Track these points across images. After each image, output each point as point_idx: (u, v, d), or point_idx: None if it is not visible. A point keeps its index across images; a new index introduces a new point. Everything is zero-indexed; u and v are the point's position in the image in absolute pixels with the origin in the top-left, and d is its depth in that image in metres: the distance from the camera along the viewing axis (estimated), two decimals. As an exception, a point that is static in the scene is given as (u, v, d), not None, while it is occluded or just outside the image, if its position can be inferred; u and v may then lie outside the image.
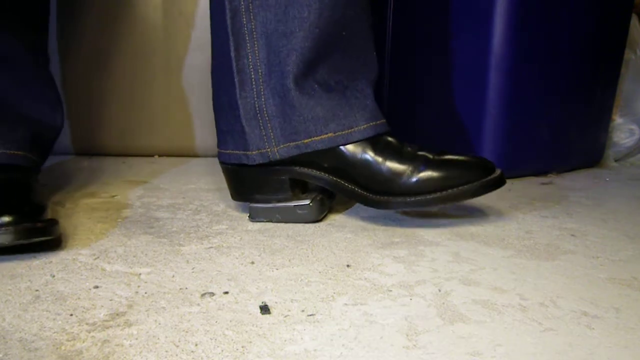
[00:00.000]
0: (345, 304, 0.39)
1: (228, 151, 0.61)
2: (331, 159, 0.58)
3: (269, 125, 0.58)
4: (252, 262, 0.47)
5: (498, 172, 0.58)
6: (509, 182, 0.84)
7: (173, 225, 0.58)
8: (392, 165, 0.56)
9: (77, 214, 0.61)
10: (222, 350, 0.32)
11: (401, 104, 0.97)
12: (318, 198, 0.59)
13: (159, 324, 0.35)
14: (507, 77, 0.80)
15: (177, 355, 0.31)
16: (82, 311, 0.37)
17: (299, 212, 0.59)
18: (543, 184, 0.84)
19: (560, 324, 0.36)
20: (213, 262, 0.47)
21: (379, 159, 0.57)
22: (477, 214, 0.64)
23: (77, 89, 1.00)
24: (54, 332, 0.34)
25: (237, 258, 0.48)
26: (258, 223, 0.59)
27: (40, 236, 0.46)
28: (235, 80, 0.59)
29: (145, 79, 1.01)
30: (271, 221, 0.60)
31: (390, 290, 0.41)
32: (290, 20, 0.55)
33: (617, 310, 0.38)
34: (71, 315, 0.36)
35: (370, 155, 0.57)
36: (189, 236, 0.54)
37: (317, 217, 0.59)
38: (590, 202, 0.72)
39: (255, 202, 0.60)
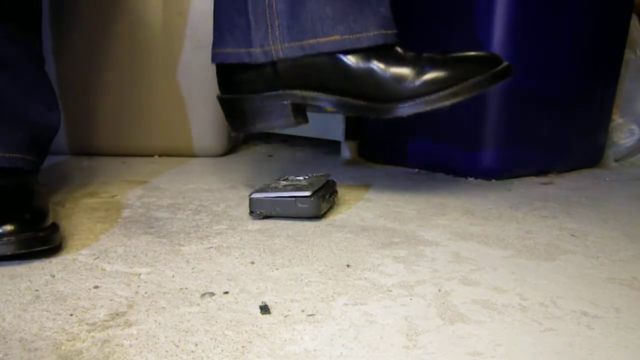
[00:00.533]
0: (345, 304, 0.39)
1: (227, 49, 0.59)
2: (334, 72, 0.56)
3: (276, 22, 0.56)
4: (252, 262, 0.47)
5: (505, 63, 0.57)
6: (509, 182, 0.84)
7: (173, 225, 0.58)
8: (397, 69, 0.55)
9: (77, 214, 0.61)
10: (222, 350, 0.32)
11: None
12: (320, 193, 0.59)
13: (159, 324, 0.35)
14: (507, 77, 0.80)
15: (177, 355, 0.31)
16: (82, 311, 0.37)
17: (300, 205, 0.58)
18: (543, 184, 0.84)
19: (560, 324, 0.36)
20: (213, 262, 0.47)
21: (382, 66, 0.55)
22: (477, 214, 0.64)
23: (75, 88, 1.00)
24: (54, 332, 0.34)
25: (237, 258, 0.48)
26: (258, 223, 0.59)
27: (41, 245, 0.46)
28: None
29: (144, 78, 1.00)
30: (271, 215, 0.60)
31: (390, 290, 0.41)
32: None
33: (617, 310, 0.38)
34: (71, 315, 0.36)
35: (374, 63, 0.55)
36: (189, 236, 0.54)
37: (318, 213, 0.59)
38: (590, 202, 0.72)
39: (256, 131, 0.59)
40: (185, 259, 0.48)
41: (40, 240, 0.46)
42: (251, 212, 0.60)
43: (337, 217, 0.62)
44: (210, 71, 1.00)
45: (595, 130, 0.96)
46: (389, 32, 0.57)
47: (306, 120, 0.60)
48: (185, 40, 0.99)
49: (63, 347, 0.32)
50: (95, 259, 0.47)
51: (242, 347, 0.32)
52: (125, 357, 0.31)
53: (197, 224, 0.59)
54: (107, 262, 0.46)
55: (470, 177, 0.86)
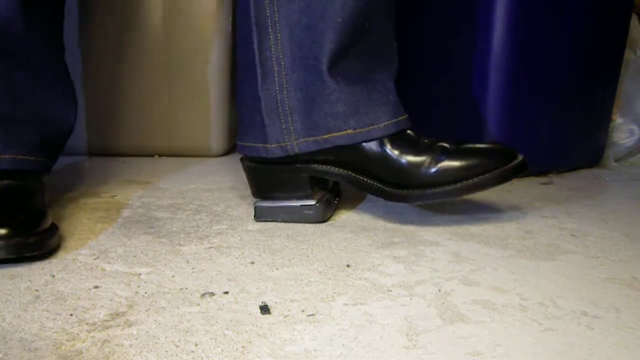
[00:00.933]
0: (345, 304, 0.39)
1: (248, 144, 0.61)
2: (349, 155, 0.57)
3: (289, 118, 0.58)
4: (252, 262, 0.47)
5: (520, 158, 0.56)
6: (508, 182, 0.84)
7: (173, 225, 0.58)
8: (410, 157, 0.56)
9: (77, 214, 0.61)
10: (222, 350, 0.32)
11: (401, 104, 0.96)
12: (324, 199, 0.59)
13: (159, 324, 0.35)
14: (507, 77, 0.80)
15: (177, 355, 0.31)
16: (82, 311, 0.37)
17: (305, 212, 0.58)
18: (543, 184, 0.84)
19: (560, 324, 0.36)
20: (213, 262, 0.47)
21: (396, 152, 0.56)
22: (477, 214, 0.64)
23: (76, 89, 1.00)
24: (54, 332, 0.34)
25: (237, 258, 0.48)
26: (258, 223, 0.59)
27: (32, 251, 0.45)
28: (258, 72, 0.58)
29: (145, 78, 1.00)
30: (276, 221, 0.60)
31: (390, 290, 0.41)
32: (313, 12, 0.55)
33: (617, 310, 0.38)
34: (71, 315, 0.36)
35: (387, 148, 0.56)
36: (189, 236, 0.54)
37: (323, 218, 0.59)
38: (590, 202, 0.72)
39: (274, 200, 0.60)
40: (185, 259, 0.48)
41: (31, 246, 0.45)
42: (256, 219, 0.61)
43: (337, 217, 0.62)
44: (210, 71, 1.01)
45: (595, 130, 0.96)
46: (400, 118, 0.58)
47: (322, 190, 0.61)
48: (187, 39, 0.99)
49: (63, 347, 0.32)
50: (95, 259, 0.47)
51: (242, 347, 0.33)
52: (125, 357, 0.31)
53: (197, 224, 0.59)
54: (107, 262, 0.46)
55: (470, 177, 0.86)
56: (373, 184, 0.58)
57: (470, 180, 0.54)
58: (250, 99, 0.60)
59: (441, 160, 0.55)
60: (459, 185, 0.54)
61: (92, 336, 0.33)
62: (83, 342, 0.33)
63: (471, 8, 0.80)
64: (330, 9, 0.55)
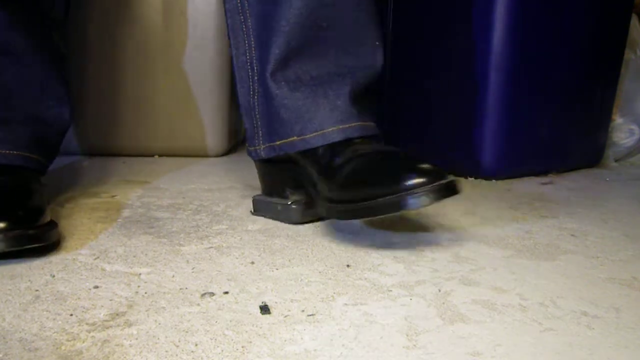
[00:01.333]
0: (345, 304, 0.39)
1: (246, 146, 0.63)
2: (303, 160, 0.57)
3: (258, 124, 0.58)
4: (252, 262, 0.47)
5: (446, 180, 0.45)
6: (509, 182, 0.84)
7: (173, 225, 0.58)
8: (331, 168, 0.52)
9: (77, 214, 0.61)
10: (222, 350, 0.32)
11: (401, 104, 0.97)
12: (304, 201, 0.59)
13: (159, 324, 0.35)
14: (507, 77, 0.80)
15: (177, 355, 0.31)
16: (82, 311, 0.37)
17: (279, 210, 0.59)
18: (543, 184, 0.84)
19: (560, 324, 0.36)
20: (213, 262, 0.47)
21: (325, 160, 0.53)
22: (477, 214, 0.64)
23: (76, 89, 1.00)
24: (54, 332, 0.34)
25: (237, 258, 0.48)
26: (258, 223, 0.59)
27: (32, 243, 0.45)
28: (236, 77, 0.59)
29: (145, 78, 1.00)
30: (265, 217, 0.61)
31: (390, 290, 0.41)
32: (269, 14, 0.54)
33: (617, 310, 0.38)
34: (71, 315, 0.36)
35: (319, 154, 0.54)
36: (189, 236, 0.54)
37: (299, 220, 0.58)
38: (590, 202, 0.72)
39: (267, 196, 0.61)
40: (185, 259, 0.48)
41: (31, 238, 0.45)
42: (253, 212, 0.62)
43: (337, 217, 0.62)
44: (210, 71, 1.01)
45: (595, 130, 0.96)
46: (347, 125, 0.53)
47: (306, 197, 0.58)
48: (187, 39, 0.99)
49: (63, 347, 0.32)
50: (95, 259, 0.47)
51: (242, 347, 0.32)
52: (125, 357, 0.31)
53: (197, 224, 0.59)
54: (107, 262, 0.46)
55: (471, 177, 0.86)
56: (313, 189, 0.55)
57: (373, 201, 0.46)
58: (239, 104, 0.61)
59: (349, 175, 0.49)
60: (363, 204, 0.47)
61: (92, 336, 0.33)
62: (83, 342, 0.33)
63: (471, 8, 0.80)
64: (277, 12, 0.53)
